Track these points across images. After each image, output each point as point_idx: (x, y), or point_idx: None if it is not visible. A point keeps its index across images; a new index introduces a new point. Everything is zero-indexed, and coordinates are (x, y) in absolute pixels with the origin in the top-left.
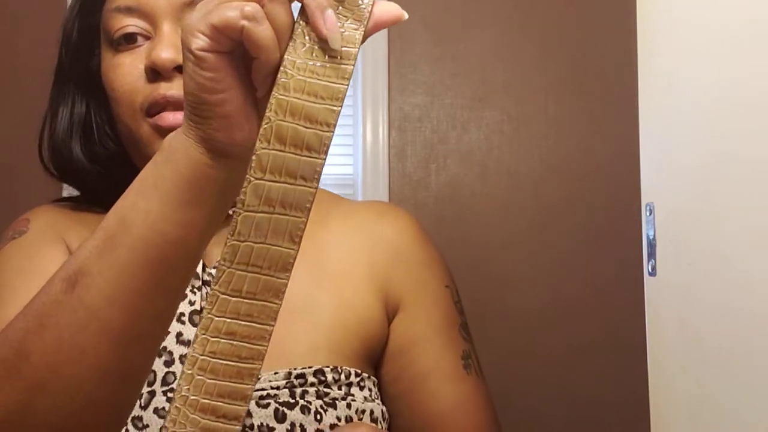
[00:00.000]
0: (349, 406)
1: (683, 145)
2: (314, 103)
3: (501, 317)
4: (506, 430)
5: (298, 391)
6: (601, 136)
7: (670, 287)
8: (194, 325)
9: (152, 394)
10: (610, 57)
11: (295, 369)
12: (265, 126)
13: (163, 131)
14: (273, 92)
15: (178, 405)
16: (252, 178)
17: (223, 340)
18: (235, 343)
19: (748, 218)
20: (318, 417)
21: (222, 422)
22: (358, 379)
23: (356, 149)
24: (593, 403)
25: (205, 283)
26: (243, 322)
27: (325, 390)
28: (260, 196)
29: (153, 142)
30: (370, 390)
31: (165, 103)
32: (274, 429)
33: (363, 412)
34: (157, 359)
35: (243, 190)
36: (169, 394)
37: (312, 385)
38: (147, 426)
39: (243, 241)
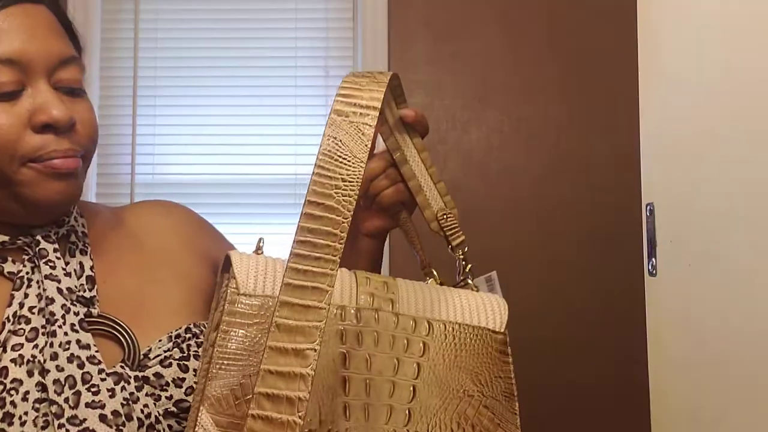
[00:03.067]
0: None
1: (683, 146)
2: None
3: None
4: None
5: (183, 346)
6: (601, 136)
7: (670, 287)
8: (86, 330)
9: (78, 394)
10: (610, 57)
11: (172, 332)
12: None
13: (58, 174)
14: None
15: None
16: None
17: None
18: None
19: (747, 218)
20: None
21: None
22: None
23: None
24: (593, 402)
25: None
26: None
27: (197, 341)
28: None
29: (38, 183)
30: None
31: (57, 154)
32: (184, 379)
33: None
34: (70, 365)
35: None
36: (92, 389)
37: (188, 339)
38: (84, 419)
39: None
